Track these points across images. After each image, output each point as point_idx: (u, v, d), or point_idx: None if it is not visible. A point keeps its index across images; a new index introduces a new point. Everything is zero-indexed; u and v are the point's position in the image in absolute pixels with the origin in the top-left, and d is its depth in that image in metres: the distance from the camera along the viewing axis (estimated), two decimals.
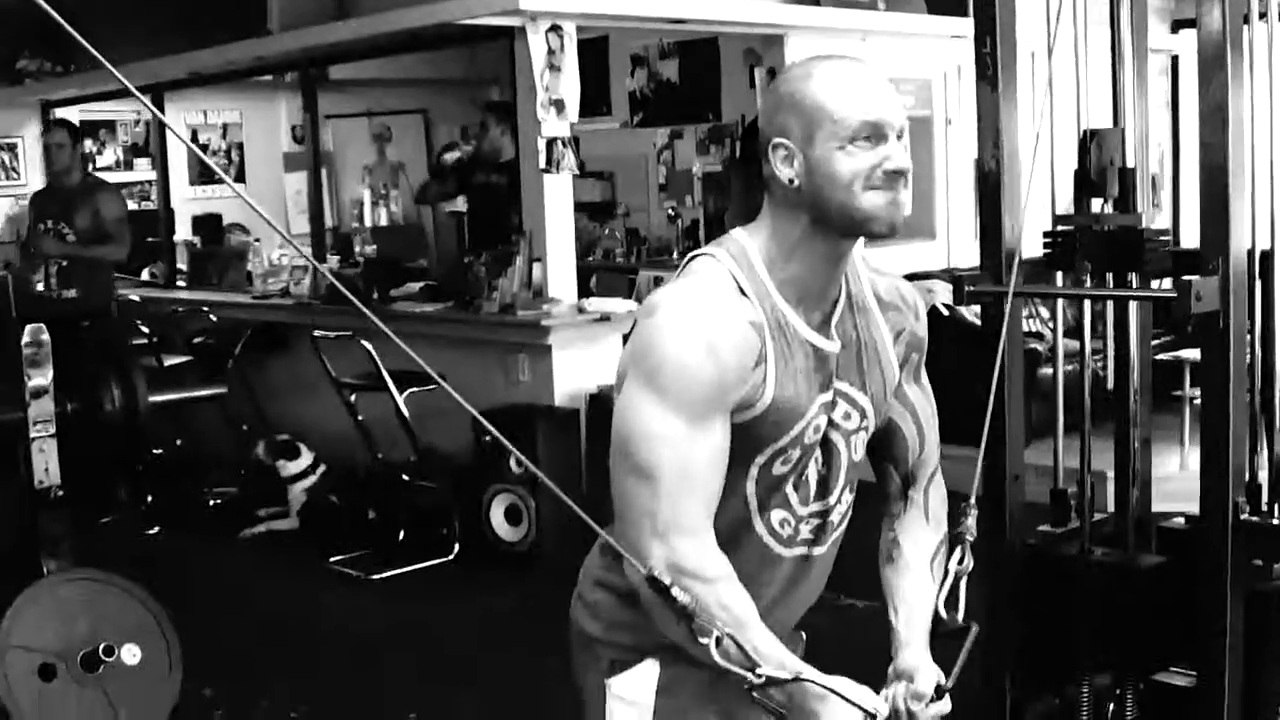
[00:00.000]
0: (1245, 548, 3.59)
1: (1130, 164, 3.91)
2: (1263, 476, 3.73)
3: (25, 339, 4.56)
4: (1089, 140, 3.91)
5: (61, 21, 2.01)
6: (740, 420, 2.22)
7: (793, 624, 2.51)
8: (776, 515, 2.33)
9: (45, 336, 4.55)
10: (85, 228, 8.24)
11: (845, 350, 2.33)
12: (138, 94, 2.15)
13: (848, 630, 2.67)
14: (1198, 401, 7.72)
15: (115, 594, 4.61)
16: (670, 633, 2.15)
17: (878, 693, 2.35)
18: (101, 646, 4.45)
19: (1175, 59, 9.72)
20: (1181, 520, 3.94)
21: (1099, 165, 3.91)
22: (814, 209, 2.20)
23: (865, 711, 2.12)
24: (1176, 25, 9.68)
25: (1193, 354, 7.42)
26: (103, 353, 5.35)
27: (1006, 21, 4.08)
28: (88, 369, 5.02)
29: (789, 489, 2.33)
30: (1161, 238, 3.86)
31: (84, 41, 2.12)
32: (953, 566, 2.50)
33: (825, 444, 2.35)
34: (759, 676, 2.01)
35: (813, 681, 2.07)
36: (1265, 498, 3.73)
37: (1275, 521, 3.66)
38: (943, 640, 2.46)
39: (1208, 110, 3.55)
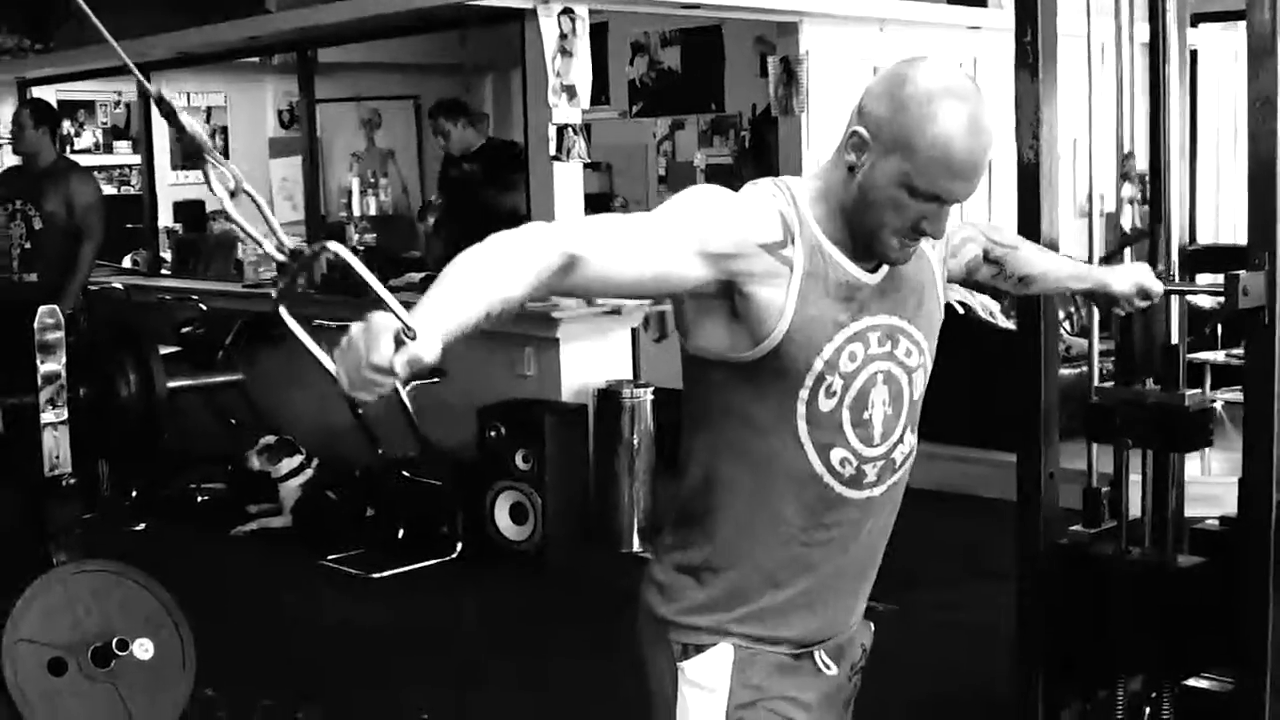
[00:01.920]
0: None
1: (1174, 340, 3.85)
2: None
3: (38, 323, 4.42)
4: (1133, 317, 3.83)
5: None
6: (770, 347, 2.22)
7: (870, 571, 2.51)
8: (836, 455, 2.32)
9: (60, 320, 4.42)
10: (53, 211, 8.01)
11: (905, 289, 2.36)
12: (145, 80, 2.01)
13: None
14: (1217, 405, 7.73)
15: (127, 586, 4.47)
16: None
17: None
18: (114, 641, 4.30)
19: (1194, 53, 9.62)
20: (1215, 522, 3.88)
21: (1144, 345, 3.86)
22: (851, 201, 2.24)
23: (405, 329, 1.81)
24: (1195, 19, 9.58)
25: (1215, 356, 7.37)
26: (118, 337, 5.18)
27: (1048, 9, 4.05)
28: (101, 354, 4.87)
29: (846, 428, 2.31)
30: (1202, 408, 3.81)
31: (95, 19, 1.97)
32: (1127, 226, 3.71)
33: (890, 381, 2.35)
34: (282, 252, 1.87)
35: (343, 261, 1.85)
36: None
37: None
38: None
39: (1256, 100, 3.54)
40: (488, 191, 8.08)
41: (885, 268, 2.32)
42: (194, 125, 1.83)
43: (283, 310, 1.95)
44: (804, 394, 2.26)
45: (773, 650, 2.38)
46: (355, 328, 1.79)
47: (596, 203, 10.28)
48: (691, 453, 2.39)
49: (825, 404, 2.27)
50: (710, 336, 2.25)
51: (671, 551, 2.44)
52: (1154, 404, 3.79)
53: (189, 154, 1.85)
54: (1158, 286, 3.13)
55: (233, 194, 1.81)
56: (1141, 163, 4.01)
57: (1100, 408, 3.90)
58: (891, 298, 2.33)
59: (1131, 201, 3.86)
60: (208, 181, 1.82)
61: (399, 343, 1.79)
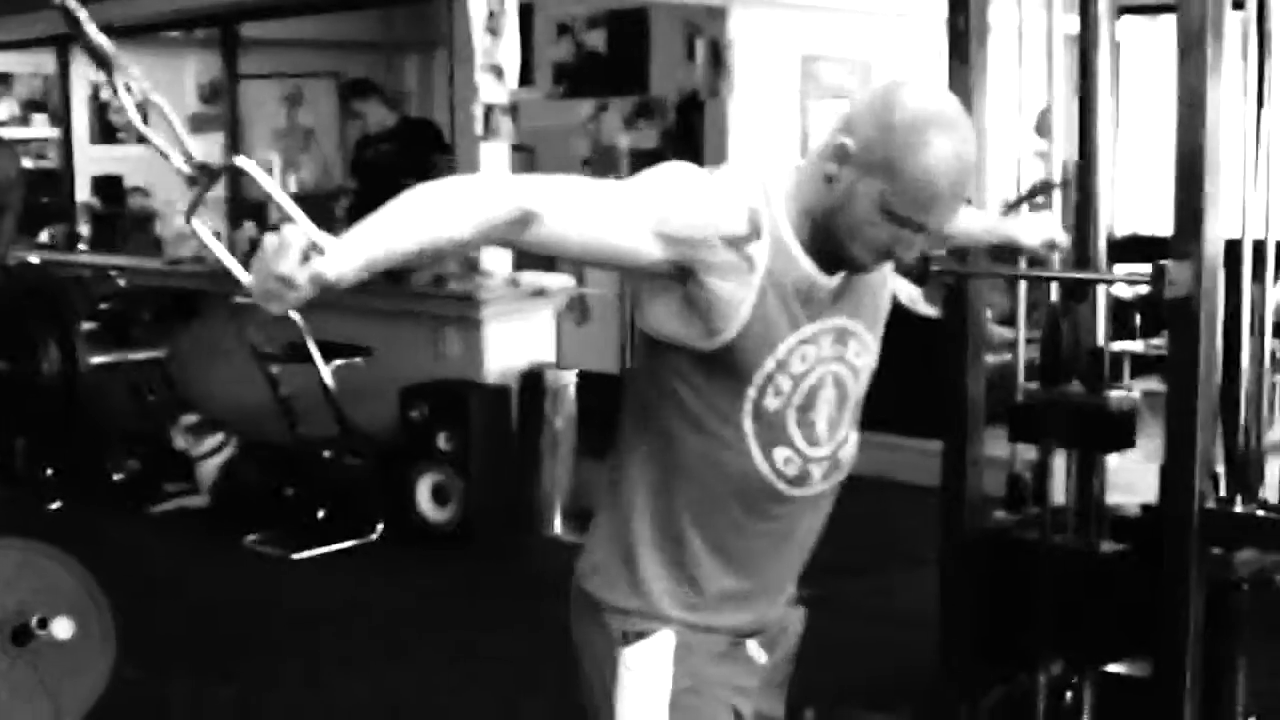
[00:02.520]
0: (1208, 536, 3.59)
1: (1100, 342, 3.90)
2: (1219, 465, 3.74)
3: None
4: (1061, 315, 3.91)
5: None
6: (724, 342, 2.20)
7: (799, 565, 2.51)
8: (780, 454, 2.31)
9: None
10: None
11: (862, 289, 2.35)
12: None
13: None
14: (1135, 394, 7.82)
15: (46, 565, 4.39)
16: None
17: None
18: (33, 620, 4.24)
19: (1117, 45, 9.66)
20: (1136, 509, 3.92)
21: (1069, 344, 3.90)
22: (825, 210, 2.21)
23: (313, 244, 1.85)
24: (1119, 11, 9.61)
25: (1134, 346, 7.47)
26: (41, 313, 5.11)
27: None
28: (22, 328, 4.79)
29: (792, 428, 2.30)
30: (1124, 409, 3.85)
31: None
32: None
33: (839, 383, 2.35)
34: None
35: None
36: (1224, 486, 3.74)
37: (1238, 509, 3.68)
38: None
39: (1185, 92, 3.53)
40: (404, 176, 8.02)
41: (846, 277, 2.30)
42: (100, 35, 1.82)
43: (194, 223, 1.95)
44: (752, 392, 2.25)
45: (710, 636, 2.38)
46: (268, 238, 1.82)
47: None
48: (632, 436, 2.38)
49: (772, 403, 2.27)
50: (662, 320, 2.23)
51: (608, 536, 2.42)
52: (1078, 406, 3.83)
53: (98, 63, 1.85)
54: (1063, 238, 3.40)
55: (142, 109, 1.82)
56: (1069, 149, 4.04)
57: (1025, 408, 3.94)
58: (846, 299, 2.32)
59: (1044, 155, 3.90)
60: (114, 91, 1.82)
61: (307, 257, 1.81)
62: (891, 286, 2.47)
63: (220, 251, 1.91)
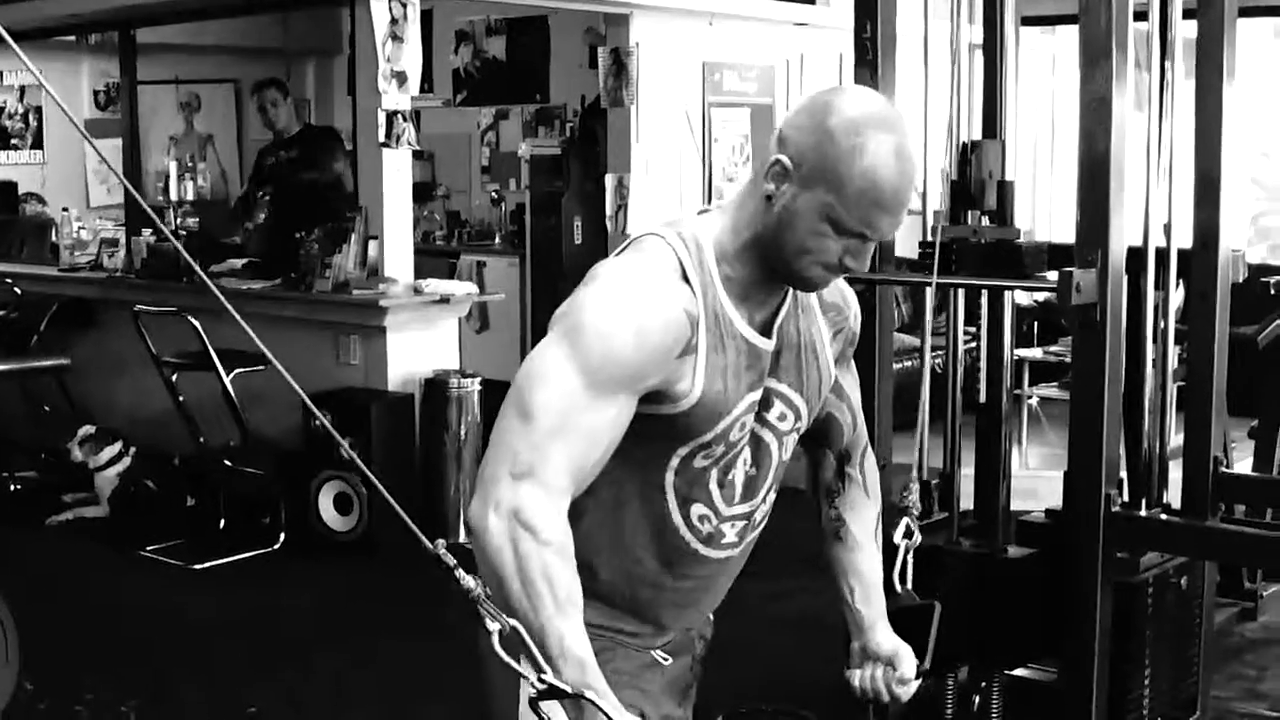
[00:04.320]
0: (1113, 540, 3.63)
1: (1009, 177, 3.93)
2: (1123, 470, 3.80)
3: None
4: (969, 152, 3.92)
5: None
6: (666, 412, 2.16)
7: (707, 615, 2.50)
8: (696, 510, 2.27)
9: None
10: None
11: (786, 351, 2.29)
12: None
13: None
14: (1033, 401, 7.94)
15: None
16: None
17: (846, 670, 2.52)
18: None
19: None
20: (1041, 514, 3.96)
21: (978, 178, 3.91)
22: (769, 231, 2.15)
23: None
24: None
25: (1032, 353, 7.58)
26: None
27: (887, 6, 4.10)
28: None
29: (712, 486, 2.27)
30: (1037, 243, 3.88)
31: None
32: (900, 541, 2.79)
33: (757, 444, 2.30)
34: (541, 683, 1.83)
35: (595, 704, 1.87)
36: (1127, 490, 3.82)
37: (1143, 513, 3.77)
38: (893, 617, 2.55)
39: (1090, 101, 3.59)
40: (308, 176, 7.94)
41: (777, 332, 2.25)
42: (468, 581, 1.83)
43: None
44: (683, 450, 2.22)
45: (615, 638, 2.33)
46: None
47: (418, 190, 10.25)
48: None
49: (700, 463, 2.23)
50: None
51: None
52: (988, 240, 3.86)
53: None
54: (909, 684, 2.49)
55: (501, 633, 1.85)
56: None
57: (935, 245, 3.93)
58: (779, 361, 2.27)
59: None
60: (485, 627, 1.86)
61: None
62: (831, 357, 2.39)
63: None
